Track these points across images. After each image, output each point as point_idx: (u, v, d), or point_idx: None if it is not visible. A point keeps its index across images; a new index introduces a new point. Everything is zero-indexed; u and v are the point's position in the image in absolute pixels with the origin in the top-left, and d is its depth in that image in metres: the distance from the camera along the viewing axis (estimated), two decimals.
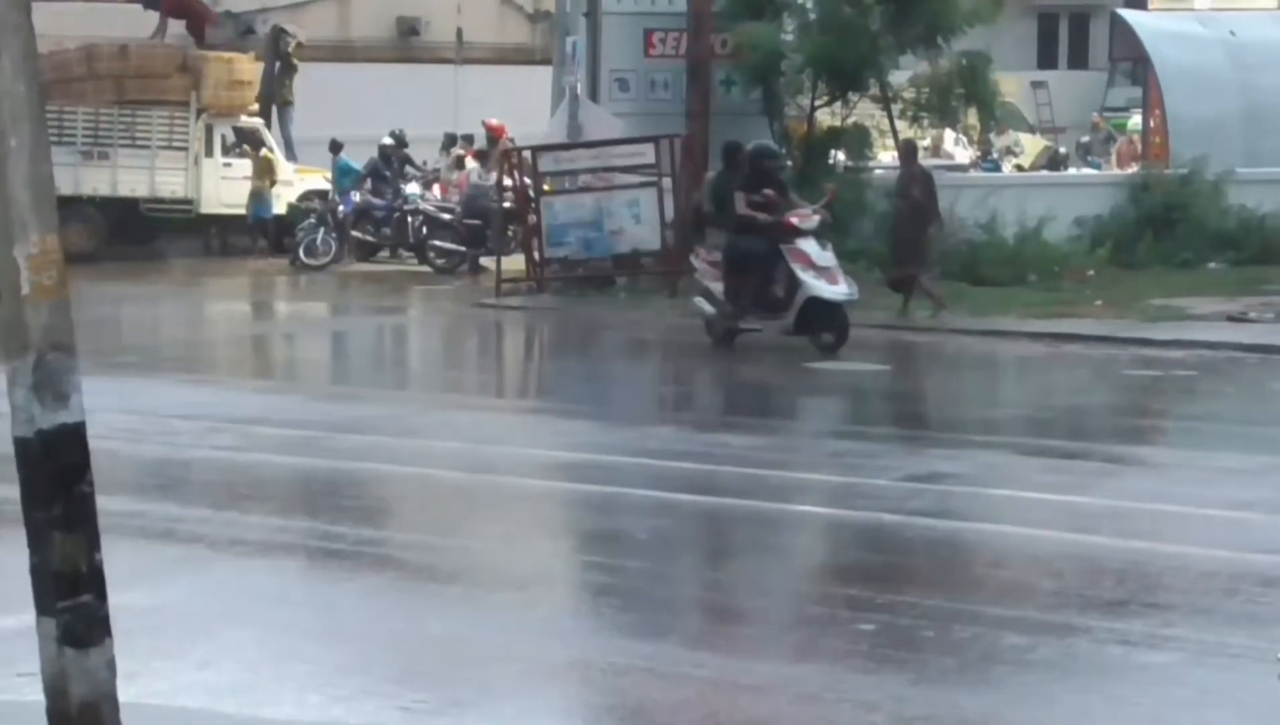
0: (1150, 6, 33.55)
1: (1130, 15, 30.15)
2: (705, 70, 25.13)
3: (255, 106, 33.40)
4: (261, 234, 32.12)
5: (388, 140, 30.93)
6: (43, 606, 5.48)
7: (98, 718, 5.49)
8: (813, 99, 25.49)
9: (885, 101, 25.78)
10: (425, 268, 29.01)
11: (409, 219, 29.49)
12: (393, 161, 30.81)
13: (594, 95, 26.39)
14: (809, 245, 18.34)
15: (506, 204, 27.19)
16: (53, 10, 28.21)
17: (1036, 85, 36.24)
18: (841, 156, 25.75)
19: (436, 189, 30.98)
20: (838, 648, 8.06)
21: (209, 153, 32.41)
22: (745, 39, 24.77)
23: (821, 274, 18.24)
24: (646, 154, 24.27)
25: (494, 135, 30.10)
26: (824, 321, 18.30)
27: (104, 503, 5.58)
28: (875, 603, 8.76)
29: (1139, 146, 30.00)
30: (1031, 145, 32.97)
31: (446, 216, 29.17)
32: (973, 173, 28.83)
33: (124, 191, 32.01)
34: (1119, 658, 7.80)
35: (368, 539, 10.39)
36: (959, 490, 11.58)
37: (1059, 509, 11.08)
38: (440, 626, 8.47)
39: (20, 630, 6.35)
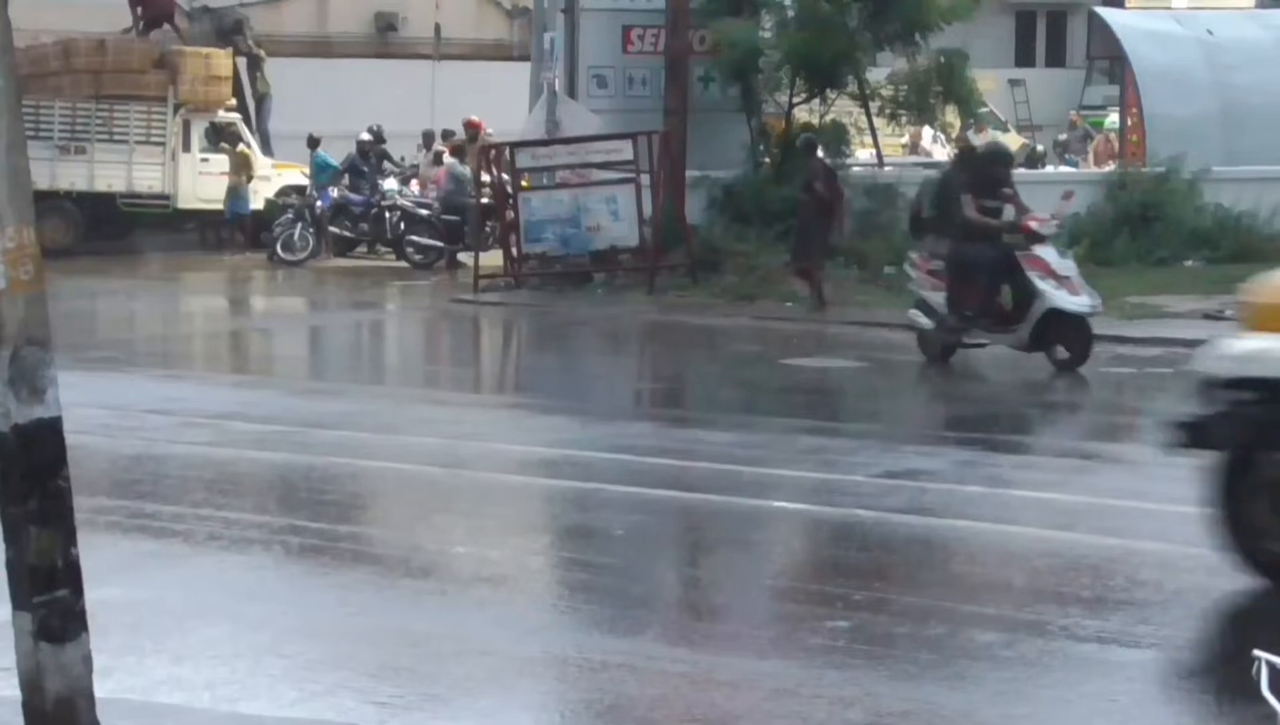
0: (1128, 5, 33.56)
1: (1108, 13, 30.21)
2: (683, 67, 25.14)
3: (233, 102, 33.31)
4: (239, 229, 32.05)
5: (365, 136, 30.86)
6: (18, 601, 5.47)
7: (73, 713, 5.48)
8: (791, 96, 25.52)
9: (863, 99, 25.82)
10: (403, 263, 28.96)
11: (387, 214, 29.42)
12: (370, 157, 30.75)
13: (572, 91, 26.38)
14: (1047, 252, 16.90)
15: (484, 200, 27.17)
16: (29, 4, 28.08)
17: (1014, 83, 36.32)
18: (820, 154, 25.76)
19: (414, 184, 30.92)
20: (814, 643, 8.07)
21: (186, 148, 32.32)
22: (723, 36, 24.77)
23: (1062, 284, 16.77)
24: (624, 150, 24.26)
25: (473, 131, 30.06)
26: (1062, 335, 16.84)
27: (79, 498, 5.57)
28: (851, 599, 8.77)
29: (1116, 145, 30.07)
30: (1010, 143, 33.01)
31: (424, 212, 29.12)
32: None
33: (101, 186, 31.91)
34: (1094, 654, 7.82)
35: (344, 534, 10.38)
36: (934, 487, 11.58)
37: (1035, 506, 11.09)
38: (417, 622, 8.46)
39: None
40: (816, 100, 25.60)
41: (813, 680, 7.45)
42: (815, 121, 25.59)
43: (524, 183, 24.97)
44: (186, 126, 32.30)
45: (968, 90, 25.62)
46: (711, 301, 22.53)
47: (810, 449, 13.11)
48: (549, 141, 25.23)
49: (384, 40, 39.56)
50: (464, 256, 27.52)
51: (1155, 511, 10.77)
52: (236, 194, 31.58)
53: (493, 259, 25.57)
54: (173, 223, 32.73)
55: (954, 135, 28.85)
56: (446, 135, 31.57)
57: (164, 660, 7.72)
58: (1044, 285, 16.71)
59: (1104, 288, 22.17)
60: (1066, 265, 17.06)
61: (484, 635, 8.21)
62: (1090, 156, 31.53)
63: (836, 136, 25.40)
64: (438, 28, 36.90)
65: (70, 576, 5.47)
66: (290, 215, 30.00)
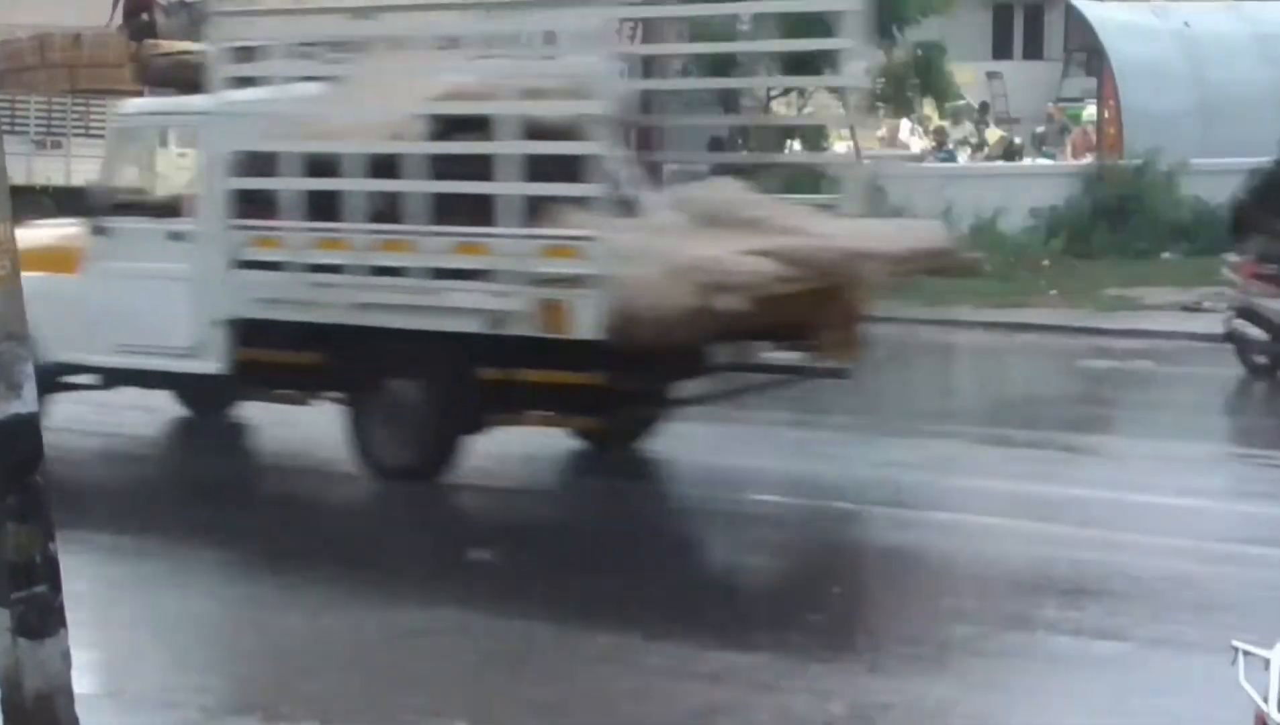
0: None
1: (1085, 6, 30.20)
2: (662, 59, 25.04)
3: None
4: None
5: None
6: None
7: (52, 710, 5.46)
8: (768, 89, 25.46)
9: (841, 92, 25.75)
10: None
11: None
12: None
13: None
14: None
15: None
16: (3, 1, 27.99)
17: (992, 76, 36.33)
18: (797, 147, 25.75)
19: None
20: (795, 636, 8.06)
21: (163, 142, 32.20)
22: (701, 28, 24.68)
23: None
24: None
25: None
26: None
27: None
28: (832, 591, 8.77)
29: (1094, 137, 30.09)
30: (987, 135, 33.07)
31: None
32: (928, 163, 28.89)
33: (78, 181, 31.79)
34: (1075, 646, 7.81)
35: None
36: (915, 479, 11.59)
37: (1015, 498, 11.09)
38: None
39: None
40: (794, 93, 25.55)
41: (794, 673, 7.41)
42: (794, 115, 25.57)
43: None
44: None
45: (945, 83, 25.63)
46: None
47: (800, 442, 13.07)
48: None
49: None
50: None
51: (1134, 503, 10.75)
52: None
53: None
54: None
55: (931, 127, 28.91)
56: None
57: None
58: None
59: (1082, 280, 22.31)
60: None
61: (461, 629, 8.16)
62: (1068, 149, 31.55)
63: (814, 130, 25.35)
64: None
65: (49, 572, 5.45)
66: None
